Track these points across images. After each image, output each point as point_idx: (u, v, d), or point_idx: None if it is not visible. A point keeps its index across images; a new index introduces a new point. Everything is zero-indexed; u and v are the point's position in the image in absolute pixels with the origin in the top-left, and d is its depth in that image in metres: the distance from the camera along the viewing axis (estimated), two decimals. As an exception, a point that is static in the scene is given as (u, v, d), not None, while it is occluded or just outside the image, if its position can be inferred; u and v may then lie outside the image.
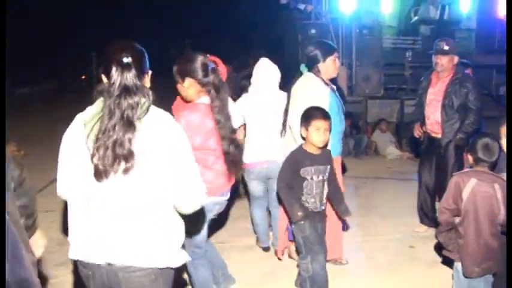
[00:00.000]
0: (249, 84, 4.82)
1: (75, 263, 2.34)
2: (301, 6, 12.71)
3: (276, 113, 4.51)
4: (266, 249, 5.00)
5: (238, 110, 4.44)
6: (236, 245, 5.21)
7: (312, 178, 3.64)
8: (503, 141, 3.44)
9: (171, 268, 2.29)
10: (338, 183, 4.02)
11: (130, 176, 2.11)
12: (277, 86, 4.68)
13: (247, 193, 5.19)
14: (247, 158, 4.50)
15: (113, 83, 2.13)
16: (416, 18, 12.53)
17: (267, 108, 4.55)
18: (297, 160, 3.67)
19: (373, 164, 9.40)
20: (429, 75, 5.44)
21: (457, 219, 3.36)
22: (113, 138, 2.07)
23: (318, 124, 3.58)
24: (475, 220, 3.25)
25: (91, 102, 2.24)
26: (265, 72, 4.64)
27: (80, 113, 2.25)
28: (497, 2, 13.16)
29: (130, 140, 2.08)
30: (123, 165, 2.09)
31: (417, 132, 5.52)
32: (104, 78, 2.21)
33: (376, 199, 7.02)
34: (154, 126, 2.16)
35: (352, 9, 11.39)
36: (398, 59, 11.73)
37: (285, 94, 4.56)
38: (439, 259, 4.72)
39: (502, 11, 13.06)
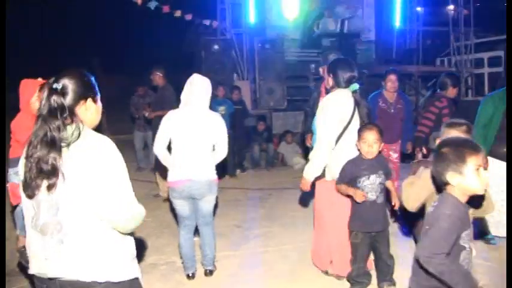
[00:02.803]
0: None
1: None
2: (207, 22, 12.79)
3: (203, 130, 4.41)
4: (191, 276, 4.68)
5: (163, 125, 4.44)
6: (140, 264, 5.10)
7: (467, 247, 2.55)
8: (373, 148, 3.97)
9: (122, 282, 2.31)
10: None
11: (56, 194, 2.18)
12: (208, 103, 4.54)
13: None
14: (170, 175, 4.47)
15: (42, 106, 2.23)
16: (318, 31, 12.90)
17: (195, 124, 4.40)
18: (458, 221, 2.45)
19: (280, 175, 9.54)
20: (320, 86, 5.64)
21: None
22: (36, 155, 2.17)
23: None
24: None
25: None
26: (198, 87, 4.48)
27: None
28: (393, 15, 13.84)
29: (55, 159, 2.16)
30: (45, 182, 2.17)
31: (310, 142, 5.57)
32: None
33: (280, 210, 7.12)
34: (84, 151, 2.21)
35: (256, 23, 11.61)
36: (302, 71, 12.02)
37: (214, 113, 4.59)
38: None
39: (396, 25, 13.75)
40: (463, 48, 14.44)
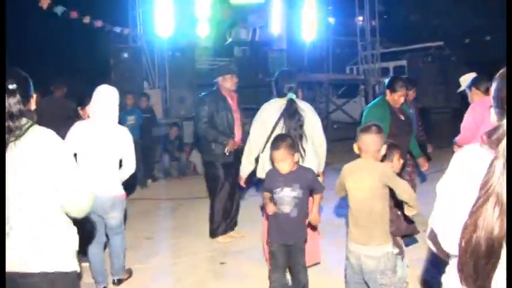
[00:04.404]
0: None
1: None
2: (117, 29, 12.54)
3: (109, 144, 4.25)
4: None
5: (67, 138, 4.20)
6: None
7: None
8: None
9: (67, 273, 2.42)
10: None
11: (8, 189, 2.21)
12: (116, 115, 4.33)
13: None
14: None
15: None
16: (230, 40, 12.98)
17: (100, 138, 4.21)
18: None
19: (192, 184, 9.39)
20: (222, 94, 5.78)
21: None
22: None
23: None
24: None
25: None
26: (104, 99, 4.29)
27: None
28: (303, 24, 14.16)
29: None
30: None
31: (232, 148, 5.67)
32: None
33: (192, 219, 7.03)
34: (33, 145, 2.28)
35: (168, 31, 11.49)
36: (213, 79, 11.95)
37: (121, 127, 4.42)
38: (249, 272, 4.87)
39: (307, 34, 14.10)
40: (370, 57, 15.00)
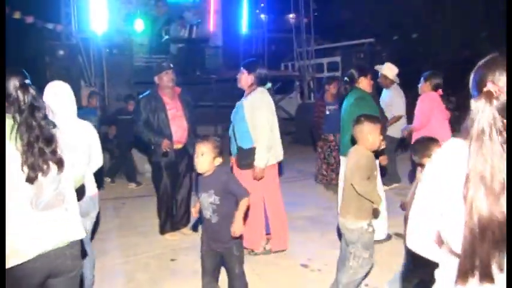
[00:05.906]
0: None
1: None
2: (50, 26, 12.20)
3: (81, 143, 3.86)
4: None
5: None
6: None
7: None
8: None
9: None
10: None
11: (60, 174, 2.53)
12: (75, 114, 4.03)
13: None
14: None
15: (21, 102, 2.42)
16: (167, 37, 12.92)
17: (75, 140, 3.89)
18: None
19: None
20: (157, 94, 5.85)
21: None
22: (38, 147, 2.39)
23: None
24: None
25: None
26: (66, 97, 3.96)
27: None
28: (240, 22, 14.29)
29: (59, 147, 2.51)
30: (54, 166, 2.47)
31: (167, 147, 5.66)
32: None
33: (137, 218, 7.03)
34: (65, 131, 2.65)
35: (104, 28, 11.32)
36: (151, 77, 11.86)
37: (85, 122, 4.14)
38: (200, 268, 4.94)
39: (242, 30, 14.24)
40: (305, 53, 15.28)
